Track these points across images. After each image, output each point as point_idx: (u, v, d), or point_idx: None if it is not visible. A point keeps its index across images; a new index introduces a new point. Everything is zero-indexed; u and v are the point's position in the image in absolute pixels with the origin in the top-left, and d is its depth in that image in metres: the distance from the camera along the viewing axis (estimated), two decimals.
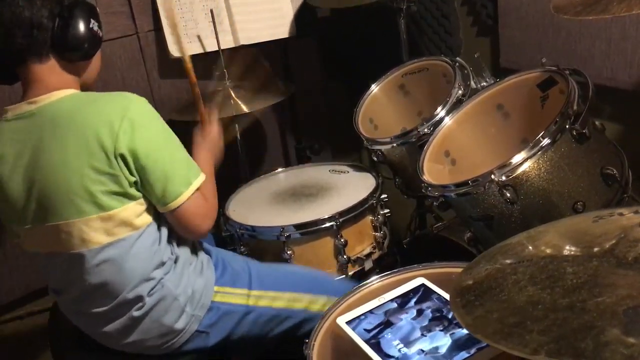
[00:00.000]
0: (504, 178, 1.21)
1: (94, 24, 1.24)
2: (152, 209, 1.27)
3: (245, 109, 1.92)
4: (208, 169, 1.39)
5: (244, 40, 2.07)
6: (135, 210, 1.23)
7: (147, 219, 1.26)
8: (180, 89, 2.19)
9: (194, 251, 1.38)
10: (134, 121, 1.18)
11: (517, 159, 1.21)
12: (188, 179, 1.26)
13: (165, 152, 1.23)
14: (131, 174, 1.20)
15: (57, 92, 1.21)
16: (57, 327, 1.65)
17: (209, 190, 1.34)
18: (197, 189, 1.27)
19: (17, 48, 1.18)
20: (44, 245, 1.26)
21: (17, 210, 1.23)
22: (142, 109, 1.22)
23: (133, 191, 1.22)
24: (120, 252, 1.23)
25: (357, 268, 1.64)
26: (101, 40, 1.28)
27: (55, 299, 1.39)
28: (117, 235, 1.22)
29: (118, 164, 1.17)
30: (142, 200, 1.24)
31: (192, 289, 1.32)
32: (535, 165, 1.21)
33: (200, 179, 1.28)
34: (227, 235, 1.70)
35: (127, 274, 1.24)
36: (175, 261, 1.31)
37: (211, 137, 1.51)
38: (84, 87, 1.30)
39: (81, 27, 1.21)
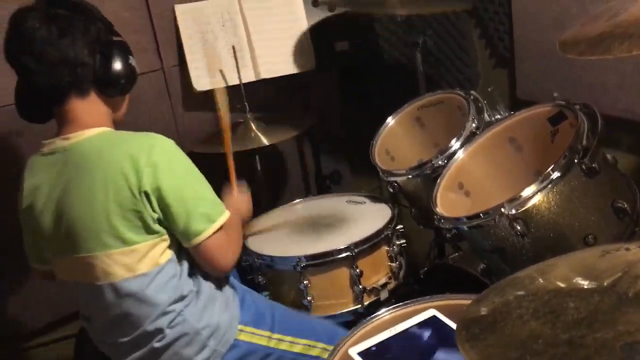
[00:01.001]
0: (514, 211, 1.23)
1: (132, 60, 1.32)
2: (174, 245, 1.31)
3: (265, 141, 1.97)
4: (234, 207, 1.42)
5: (265, 74, 2.14)
6: (157, 246, 1.28)
7: (169, 254, 1.30)
8: (204, 122, 2.25)
9: (219, 286, 1.41)
10: (158, 161, 1.23)
11: (527, 192, 1.23)
12: (211, 217, 1.29)
13: (189, 190, 1.27)
14: (154, 210, 1.25)
15: (89, 130, 1.27)
16: (82, 355, 1.70)
17: (234, 228, 1.37)
18: (221, 227, 1.31)
19: (62, 85, 1.25)
20: (72, 275, 1.32)
21: (48, 240, 1.30)
22: (168, 149, 1.27)
23: (157, 227, 1.26)
24: (141, 286, 1.27)
25: (372, 298, 1.66)
26: (137, 76, 1.36)
27: (81, 325, 1.45)
28: (138, 270, 1.26)
29: (142, 201, 1.22)
30: (165, 237, 1.29)
31: (217, 323, 1.35)
32: (545, 199, 1.23)
33: (224, 217, 1.32)
34: (246, 265, 1.73)
35: (147, 307, 1.28)
36: (197, 294, 1.34)
37: (237, 206, 1.49)
38: (115, 123, 1.36)
39: (121, 63, 1.29)
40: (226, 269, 1.37)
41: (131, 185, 1.21)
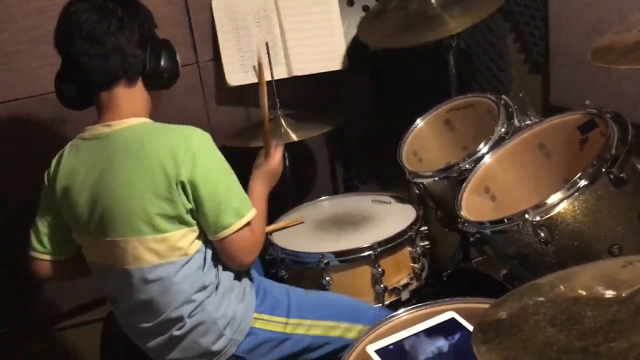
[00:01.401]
0: (538, 218, 1.23)
1: (178, 56, 1.40)
2: (202, 237, 1.35)
3: (294, 137, 2.00)
4: (261, 205, 1.47)
5: (297, 72, 2.16)
6: (187, 236, 1.31)
7: (198, 245, 1.34)
8: (236, 116, 2.29)
9: (237, 277, 1.44)
10: (195, 154, 1.27)
11: (552, 199, 1.23)
12: (240, 212, 1.33)
13: (222, 184, 1.32)
14: (189, 201, 1.29)
15: (130, 120, 1.32)
16: (109, 337, 1.74)
17: (258, 226, 1.40)
18: (247, 223, 1.35)
19: (113, 69, 1.31)
20: (102, 257, 1.37)
21: (82, 222, 1.35)
22: (205, 143, 1.32)
23: (188, 218, 1.30)
24: (168, 274, 1.31)
25: (393, 298, 1.67)
26: (179, 74, 1.42)
27: (110, 309, 1.49)
28: (167, 257, 1.30)
29: (177, 191, 1.26)
30: (195, 228, 1.32)
31: (233, 314, 1.38)
32: (571, 207, 1.22)
33: (251, 213, 1.36)
34: (270, 259, 1.76)
35: (172, 295, 1.32)
36: (217, 286, 1.38)
37: (272, 169, 1.57)
38: (150, 116, 1.40)
39: (169, 59, 1.37)
40: (246, 265, 1.41)
41: (169, 175, 1.25)
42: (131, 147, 1.29)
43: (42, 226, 1.42)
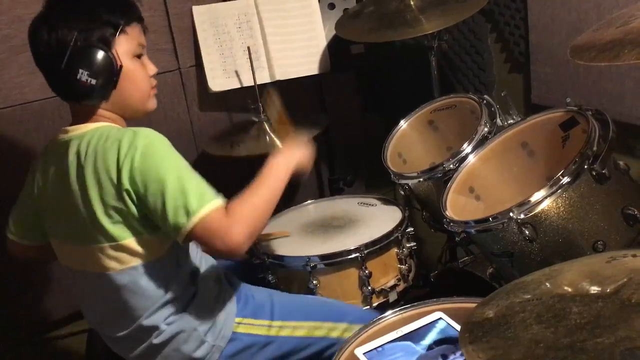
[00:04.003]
0: (522, 216, 1.23)
1: (82, 74, 1.24)
2: (167, 241, 1.30)
3: (278, 142, 1.99)
4: (269, 176, 1.34)
5: (280, 76, 2.16)
6: (146, 241, 1.27)
7: (161, 250, 1.29)
8: (219, 121, 2.28)
9: (216, 284, 1.42)
10: (136, 156, 1.19)
11: (536, 197, 1.23)
12: (188, 210, 1.19)
13: (164, 185, 1.20)
14: (136, 206, 1.22)
15: (86, 125, 1.30)
16: (94, 349, 1.72)
17: (243, 208, 1.25)
18: (205, 216, 1.19)
19: (55, 90, 1.30)
20: (71, 262, 1.36)
21: (50, 226, 1.36)
22: (149, 143, 1.22)
23: (143, 223, 1.25)
24: (134, 280, 1.28)
25: (381, 299, 1.66)
26: (94, 88, 1.25)
27: (89, 323, 1.47)
28: (129, 263, 1.27)
29: (123, 198, 1.21)
30: (152, 232, 1.27)
31: (213, 320, 1.36)
32: (555, 204, 1.23)
33: (209, 206, 1.20)
34: (257, 264, 1.75)
35: (141, 299, 1.30)
36: (195, 293, 1.36)
37: (300, 150, 1.45)
38: (132, 114, 1.36)
39: (74, 76, 1.24)
40: (231, 251, 1.22)
41: (113, 182, 1.21)
42: (83, 154, 1.25)
43: (16, 211, 1.46)
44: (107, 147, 1.23)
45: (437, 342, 1.16)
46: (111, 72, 1.26)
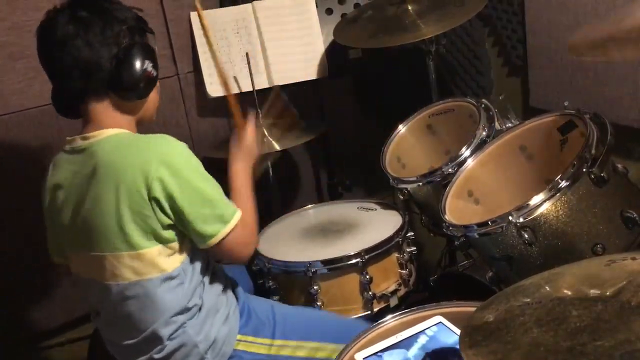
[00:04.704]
0: (521, 219, 1.23)
1: (148, 65, 1.29)
2: (183, 254, 1.32)
3: (277, 147, 1.99)
4: (247, 182, 1.45)
5: (278, 81, 2.16)
6: (164, 253, 1.28)
7: (176, 263, 1.30)
8: (218, 127, 2.29)
9: (222, 299, 1.41)
10: (169, 166, 1.23)
11: (535, 200, 1.23)
12: (224, 218, 1.30)
13: (200, 195, 1.27)
14: (166, 215, 1.25)
15: (106, 131, 1.30)
16: (95, 356, 1.72)
17: (248, 215, 1.38)
18: (235, 226, 1.31)
19: (76, 87, 1.28)
20: (83, 271, 1.36)
21: (66, 235, 1.35)
22: (178, 153, 1.27)
23: (165, 234, 1.27)
24: (147, 291, 1.28)
25: (382, 304, 1.66)
26: (155, 80, 1.34)
27: (95, 326, 1.47)
28: (145, 274, 1.28)
29: (151, 206, 1.23)
30: (173, 244, 1.29)
31: (215, 337, 1.36)
32: (553, 208, 1.23)
33: (236, 216, 1.31)
34: (257, 269, 1.75)
35: (152, 312, 1.30)
36: (200, 308, 1.35)
37: (247, 144, 1.54)
38: (141, 123, 1.38)
39: (136, 67, 1.27)
40: (246, 257, 1.40)
41: (141, 191, 1.22)
42: (105, 161, 1.26)
43: (48, 233, 1.44)
44: (134, 155, 1.25)
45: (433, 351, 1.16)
46: (157, 69, 1.34)
